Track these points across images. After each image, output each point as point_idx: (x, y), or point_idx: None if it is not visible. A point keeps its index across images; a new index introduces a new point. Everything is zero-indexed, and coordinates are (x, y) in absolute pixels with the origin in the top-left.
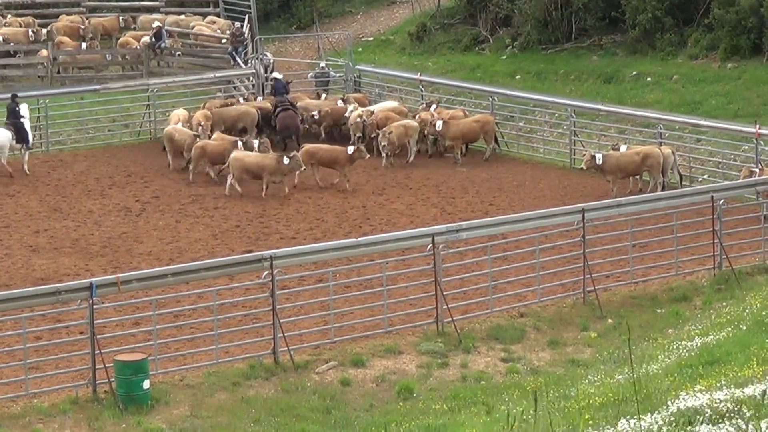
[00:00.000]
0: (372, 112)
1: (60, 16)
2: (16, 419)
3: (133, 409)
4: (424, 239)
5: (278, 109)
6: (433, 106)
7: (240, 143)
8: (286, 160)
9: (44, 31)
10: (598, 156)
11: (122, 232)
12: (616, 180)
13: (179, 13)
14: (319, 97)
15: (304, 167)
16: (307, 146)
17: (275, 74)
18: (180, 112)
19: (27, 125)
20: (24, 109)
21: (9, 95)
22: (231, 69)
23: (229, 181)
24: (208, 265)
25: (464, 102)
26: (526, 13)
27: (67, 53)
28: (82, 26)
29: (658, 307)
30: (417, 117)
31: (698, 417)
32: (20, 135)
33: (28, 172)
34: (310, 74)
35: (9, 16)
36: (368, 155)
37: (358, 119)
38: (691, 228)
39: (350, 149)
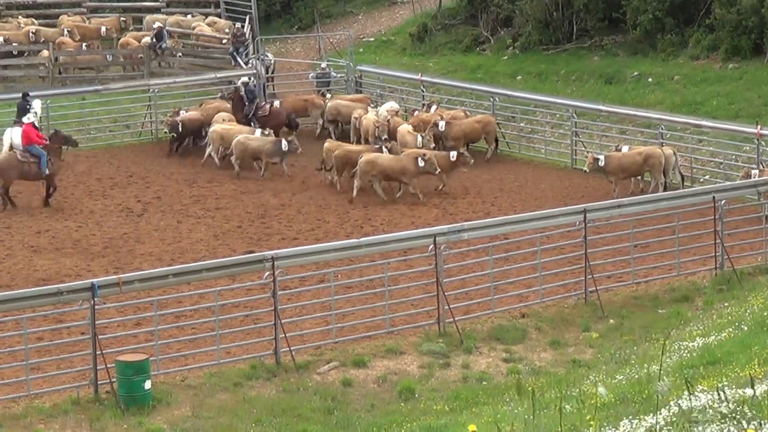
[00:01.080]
0: (396, 112)
1: (60, 17)
2: (17, 420)
3: (134, 410)
4: (426, 240)
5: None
6: (434, 107)
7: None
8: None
9: (66, 31)
10: (601, 157)
11: (124, 232)
12: (618, 180)
13: (183, 14)
14: (324, 96)
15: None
16: (410, 152)
17: (244, 79)
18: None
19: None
20: (36, 105)
21: (19, 95)
22: (232, 69)
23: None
24: (209, 266)
25: (465, 102)
26: (527, 13)
27: (68, 54)
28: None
29: (660, 308)
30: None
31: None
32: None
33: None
34: (311, 75)
35: (20, 17)
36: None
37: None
38: (693, 228)
39: (453, 155)
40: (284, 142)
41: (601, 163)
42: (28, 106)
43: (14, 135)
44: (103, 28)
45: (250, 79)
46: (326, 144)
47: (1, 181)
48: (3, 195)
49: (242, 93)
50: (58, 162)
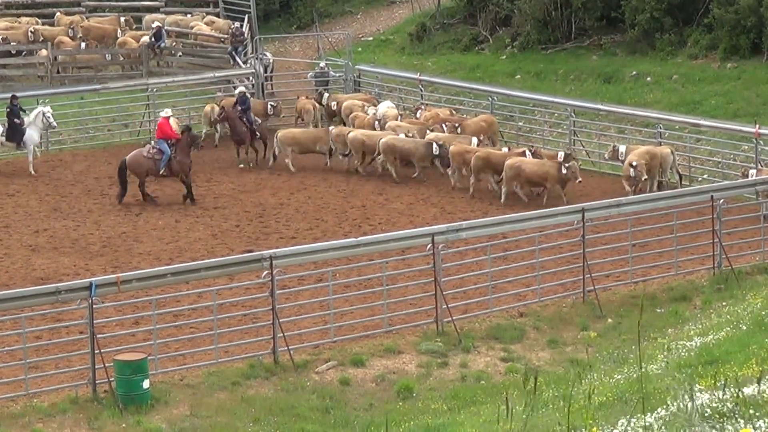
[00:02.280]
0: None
1: (56, 15)
2: (15, 419)
3: (132, 409)
4: (424, 239)
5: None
6: (419, 112)
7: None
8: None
9: (70, 30)
10: (621, 148)
11: (122, 231)
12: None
13: (182, 13)
14: (321, 96)
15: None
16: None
17: (241, 88)
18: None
19: (26, 126)
20: (34, 114)
21: (19, 94)
22: (231, 69)
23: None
24: (207, 265)
25: (464, 102)
26: (526, 12)
27: (66, 53)
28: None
29: (658, 307)
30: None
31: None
32: (12, 134)
33: (33, 172)
34: (310, 74)
35: (23, 18)
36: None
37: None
38: (691, 228)
39: (561, 155)
40: (435, 145)
41: (621, 157)
42: (15, 107)
43: None
44: (119, 30)
45: (247, 88)
46: (333, 130)
47: (135, 177)
48: (141, 191)
49: (239, 106)
50: (185, 159)
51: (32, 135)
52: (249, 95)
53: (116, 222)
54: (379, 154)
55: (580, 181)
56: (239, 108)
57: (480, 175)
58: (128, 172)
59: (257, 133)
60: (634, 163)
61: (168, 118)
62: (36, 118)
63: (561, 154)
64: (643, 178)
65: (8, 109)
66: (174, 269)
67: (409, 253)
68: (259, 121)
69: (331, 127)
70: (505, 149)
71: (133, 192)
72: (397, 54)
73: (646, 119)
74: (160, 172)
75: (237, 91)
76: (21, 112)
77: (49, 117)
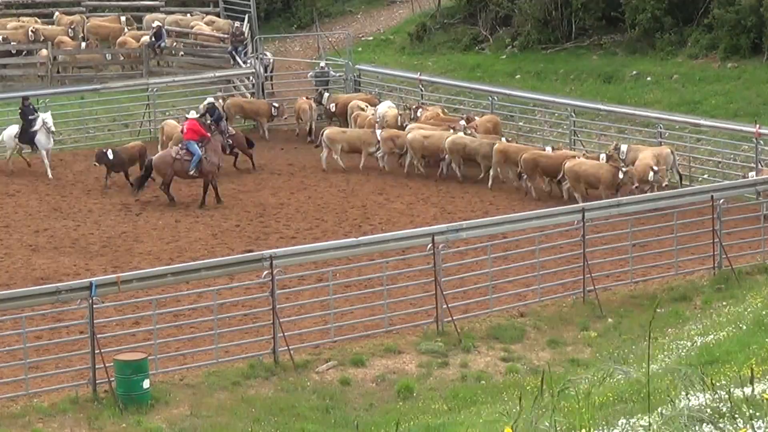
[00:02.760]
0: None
1: (56, 15)
2: (15, 419)
3: (133, 409)
4: (424, 239)
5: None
6: (419, 111)
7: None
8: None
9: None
10: (623, 147)
11: (122, 231)
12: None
13: (183, 13)
14: (321, 96)
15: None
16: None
17: (210, 99)
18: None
19: (38, 128)
20: (47, 116)
21: (18, 93)
22: (231, 68)
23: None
24: (208, 265)
25: (464, 101)
26: (526, 12)
27: (66, 53)
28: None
29: (658, 307)
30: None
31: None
32: (25, 136)
33: (50, 176)
34: (310, 74)
35: (24, 18)
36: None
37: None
38: (691, 227)
39: (602, 157)
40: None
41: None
42: (29, 108)
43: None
44: (126, 28)
45: (217, 100)
46: (382, 132)
47: (159, 177)
48: (165, 191)
49: (208, 118)
50: (215, 159)
51: (41, 139)
52: (220, 104)
53: (116, 222)
54: (444, 153)
55: (637, 187)
56: (210, 120)
57: (533, 176)
58: (153, 173)
59: (231, 143)
60: (655, 168)
61: (195, 118)
62: (40, 125)
63: (603, 156)
64: (663, 184)
65: (20, 110)
66: (174, 269)
67: (409, 252)
68: (232, 131)
69: (379, 130)
70: (548, 149)
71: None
72: (397, 54)
73: (647, 119)
74: (190, 173)
75: (205, 103)
76: (34, 113)
77: (48, 124)
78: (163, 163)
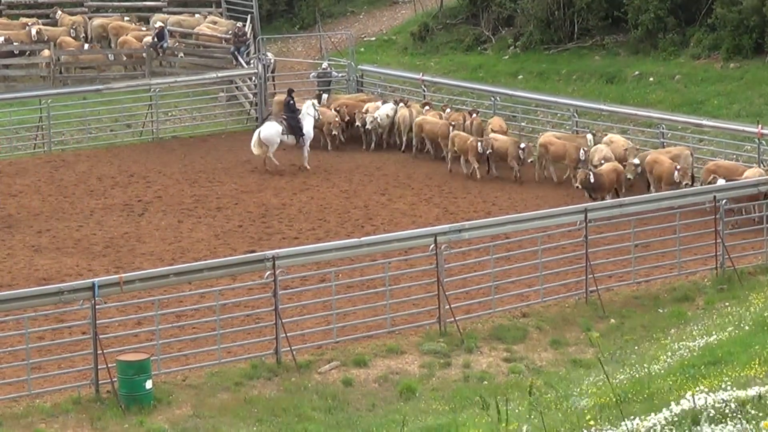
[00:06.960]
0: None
1: (58, 14)
2: (18, 419)
3: (135, 409)
4: (427, 239)
5: None
6: (424, 110)
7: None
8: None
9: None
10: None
11: (125, 232)
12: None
13: (189, 14)
14: (319, 97)
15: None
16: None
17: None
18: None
19: (304, 121)
20: (308, 106)
21: (20, 94)
22: (233, 69)
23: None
24: (210, 265)
25: (467, 102)
26: (529, 12)
27: (69, 53)
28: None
29: (661, 307)
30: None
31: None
32: (291, 129)
33: (308, 167)
34: (313, 74)
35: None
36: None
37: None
38: (694, 228)
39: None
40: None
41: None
42: (291, 102)
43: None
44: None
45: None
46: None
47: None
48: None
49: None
50: None
51: (309, 130)
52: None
53: (119, 222)
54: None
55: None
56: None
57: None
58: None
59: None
60: (678, 167)
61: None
62: (306, 110)
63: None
64: (684, 183)
65: (288, 103)
66: (177, 269)
67: (411, 253)
68: None
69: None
70: (589, 136)
71: (134, 192)
72: (399, 54)
73: (649, 119)
74: None
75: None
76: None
77: (311, 112)
78: None
